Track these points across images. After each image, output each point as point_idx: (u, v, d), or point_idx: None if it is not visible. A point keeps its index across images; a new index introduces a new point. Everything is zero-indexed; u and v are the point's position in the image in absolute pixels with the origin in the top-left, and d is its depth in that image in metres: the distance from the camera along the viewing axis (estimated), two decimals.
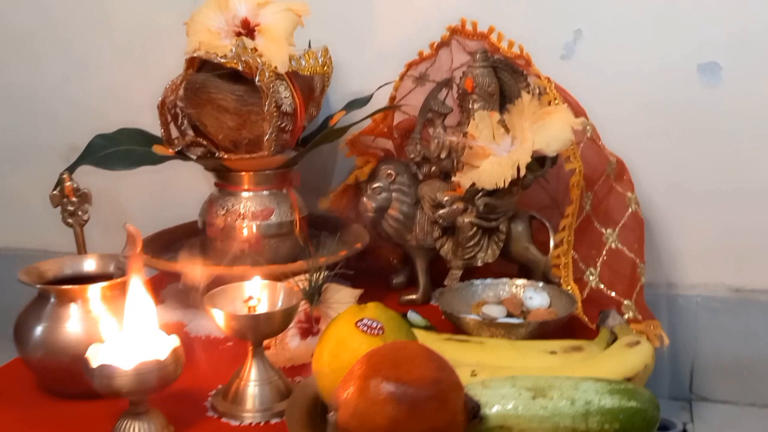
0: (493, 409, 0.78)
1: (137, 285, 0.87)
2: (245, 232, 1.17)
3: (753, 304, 1.34)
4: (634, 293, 1.17)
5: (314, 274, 1.06)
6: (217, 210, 1.18)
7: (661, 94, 1.31)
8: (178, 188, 1.49)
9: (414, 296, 1.23)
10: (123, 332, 0.87)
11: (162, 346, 0.85)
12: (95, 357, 0.83)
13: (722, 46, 1.28)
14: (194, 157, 1.18)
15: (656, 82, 1.31)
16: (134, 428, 0.85)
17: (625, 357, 0.88)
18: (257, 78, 1.09)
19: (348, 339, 0.84)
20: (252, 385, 0.91)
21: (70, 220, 1.07)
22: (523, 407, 0.78)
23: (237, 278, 0.97)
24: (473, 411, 0.76)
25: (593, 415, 0.76)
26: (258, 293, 0.92)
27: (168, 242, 1.26)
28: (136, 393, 0.83)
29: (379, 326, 0.84)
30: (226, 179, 1.19)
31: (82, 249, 1.07)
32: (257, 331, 0.90)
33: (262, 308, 0.92)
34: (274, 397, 0.91)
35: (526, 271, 1.21)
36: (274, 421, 0.89)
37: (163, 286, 1.27)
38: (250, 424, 0.89)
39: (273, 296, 0.93)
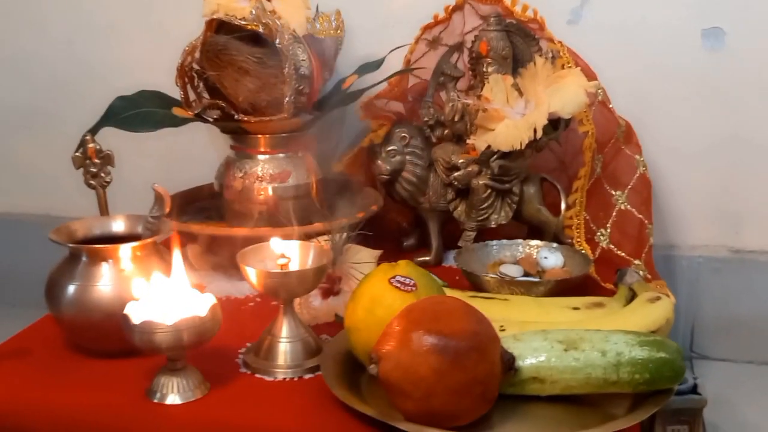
0: (527, 361, 0.81)
1: (175, 246, 0.89)
2: (263, 194, 1.18)
3: (753, 264, 1.38)
4: (643, 253, 1.20)
5: (335, 236, 1.08)
6: (234, 172, 1.19)
7: (666, 59, 1.34)
8: (189, 151, 1.50)
9: (427, 258, 1.25)
10: (157, 290, 0.89)
11: (198, 304, 0.87)
12: (133, 314, 0.85)
13: (726, 12, 1.31)
14: (211, 120, 1.18)
15: (661, 47, 1.34)
16: (172, 384, 0.86)
17: (648, 311, 0.92)
18: (277, 40, 1.10)
19: (382, 295, 0.86)
20: (284, 341, 0.93)
21: (92, 182, 1.07)
22: (556, 359, 0.81)
23: (257, 239, 0.98)
24: (509, 363, 0.79)
25: (624, 366, 0.79)
26: (288, 252, 0.94)
27: (183, 204, 1.27)
28: (175, 349, 0.85)
29: (412, 283, 0.87)
30: (243, 142, 1.20)
31: (104, 211, 1.07)
32: (289, 289, 0.92)
33: (293, 266, 0.93)
34: (305, 354, 0.93)
35: (537, 232, 1.23)
36: (307, 376, 0.92)
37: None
38: (284, 379, 0.91)
39: (303, 255, 0.95)
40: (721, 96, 1.34)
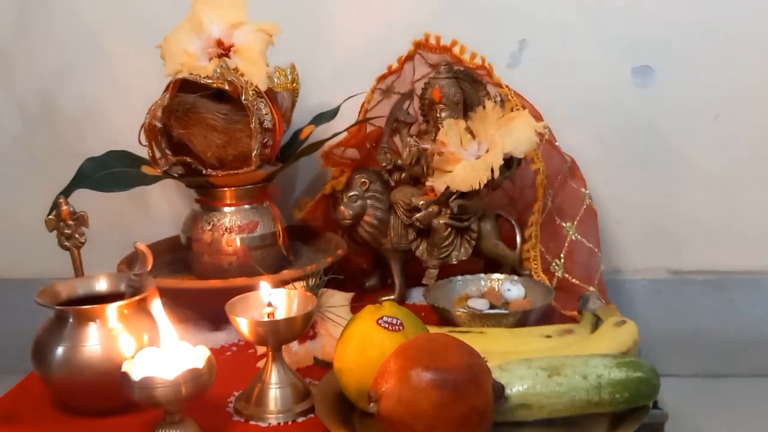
0: (514, 389, 0.86)
1: (157, 302, 0.92)
2: (233, 245, 1.21)
3: (691, 283, 1.47)
4: (596, 280, 1.28)
5: (308, 281, 1.12)
6: (202, 225, 1.22)
7: (600, 97, 1.43)
8: (142, 208, 1.51)
9: (392, 297, 1.30)
10: (148, 347, 0.91)
11: (192, 357, 0.90)
12: (132, 371, 0.87)
13: (653, 51, 1.41)
14: (176, 175, 1.21)
15: (595, 86, 1.43)
16: None
17: (616, 335, 0.98)
18: (243, 97, 1.14)
19: (372, 336, 0.90)
20: (274, 387, 0.96)
21: (66, 243, 1.09)
22: (541, 385, 0.86)
23: (236, 290, 1.02)
24: (499, 392, 0.84)
25: (605, 387, 0.86)
26: (274, 300, 0.97)
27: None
28: (174, 402, 0.87)
29: (399, 322, 0.91)
30: (209, 195, 1.23)
31: (80, 271, 1.09)
32: (278, 336, 0.95)
33: (279, 314, 0.97)
34: (295, 398, 0.97)
35: (494, 266, 1.29)
36: (300, 419, 0.95)
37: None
38: (278, 424, 0.94)
39: (289, 303, 0.99)
40: (652, 129, 1.43)
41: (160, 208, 1.52)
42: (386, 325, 0.91)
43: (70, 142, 1.48)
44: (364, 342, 0.90)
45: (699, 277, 1.47)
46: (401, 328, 0.91)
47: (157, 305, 0.93)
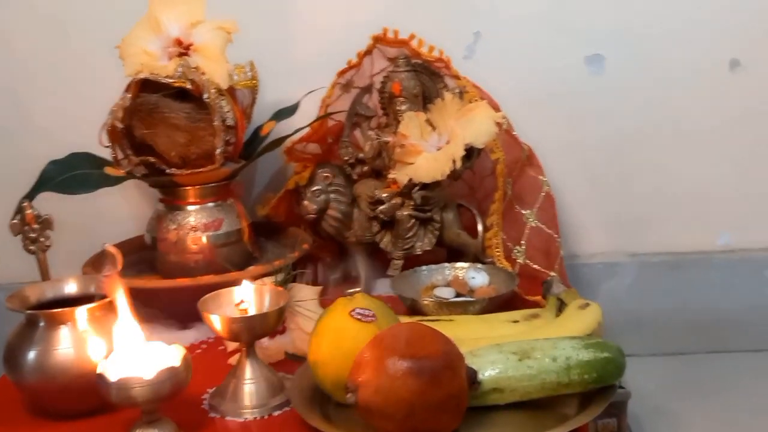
0: (486, 373, 0.89)
1: (123, 303, 0.92)
2: (198, 243, 1.22)
3: (647, 265, 1.51)
4: (556, 264, 1.31)
5: (277, 276, 1.13)
6: (167, 225, 1.22)
7: (555, 86, 1.46)
8: (101, 209, 1.50)
9: (358, 288, 1.30)
10: (120, 348, 0.91)
11: (166, 355, 0.90)
12: (108, 372, 0.87)
13: (605, 40, 1.44)
14: (138, 176, 1.21)
15: (549, 75, 1.46)
16: None
17: (581, 317, 1.01)
18: (206, 95, 1.14)
19: (346, 328, 0.92)
20: (248, 383, 0.97)
21: (32, 248, 1.08)
22: (512, 369, 0.89)
23: (204, 288, 1.02)
24: (472, 377, 0.87)
25: (574, 369, 0.88)
26: (246, 297, 0.98)
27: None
28: (152, 401, 0.88)
29: (372, 313, 0.93)
30: (172, 194, 1.23)
31: (46, 275, 1.08)
32: (252, 332, 0.96)
33: (251, 310, 0.98)
34: (270, 392, 0.98)
35: (457, 254, 1.32)
36: (276, 413, 0.96)
37: None
38: (254, 418, 0.95)
39: (259, 299, 1.00)
40: (605, 116, 1.47)
41: (120, 208, 1.51)
42: (359, 317, 0.92)
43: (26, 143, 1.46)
44: (338, 334, 0.92)
45: (655, 259, 1.51)
46: (374, 319, 0.92)
47: (122, 305, 0.92)
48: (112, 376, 0.86)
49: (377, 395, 0.81)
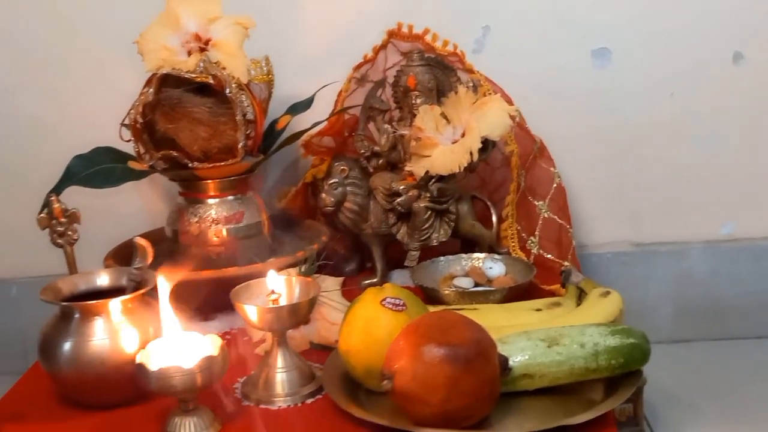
0: (517, 360, 0.91)
1: (165, 293, 0.94)
2: (219, 235, 1.23)
3: (653, 254, 1.54)
4: (569, 254, 1.34)
5: (301, 267, 1.15)
6: (188, 218, 1.24)
7: (561, 79, 1.48)
8: (115, 204, 1.51)
9: (374, 280, 1.33)
10: (158, 338, 0.93)
11: (204, 345, 0.92)
12: (148, 362, 0.89)
13: (610, 33, 1.47)
14: (159, 169, 1.23)
15: (556, 69, 1.48)
16: (189, 425, 0.91)
17: (604, 305, 1.04)
18: (227, 90, 1.16)
19: (377, 317, 0.94)
20: (280, 371, 1.00)
21: (60, 241, 1.10)
22: (542, 355, 0.92)
23: (228, 280, 1.05)
24: (504, 363, 0.89)
25: (602, 354, 0.91)
26: (278, 288, 1.00)
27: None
28: (191, 390, 0.90)
29: (402, 303, 0.95)
30: (193, 188, 1.24)
31: (74, 268, 1.10)
32: (284, 322, 0.98)
33: (282, 301, 1.00)
34: (301, 381, 1.00)
35: (471, 245, 1.34)
36: (309, 401, 0.98)
37: None
38: (288, 406, 0.97)
39: (289, 289, 1.02)
40: (611, 108, 1.49)
41: (132, 203, 1.53)
42: (391, 306, 0.95)
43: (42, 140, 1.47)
44: (369, 323, 0.94)
45: (661, 248, 1.54)
46: (405, 308, 0.95)
47: (163, 297, 0.94)
48: (153, 365, 0.88)
49: (414, 382, 0.84)
